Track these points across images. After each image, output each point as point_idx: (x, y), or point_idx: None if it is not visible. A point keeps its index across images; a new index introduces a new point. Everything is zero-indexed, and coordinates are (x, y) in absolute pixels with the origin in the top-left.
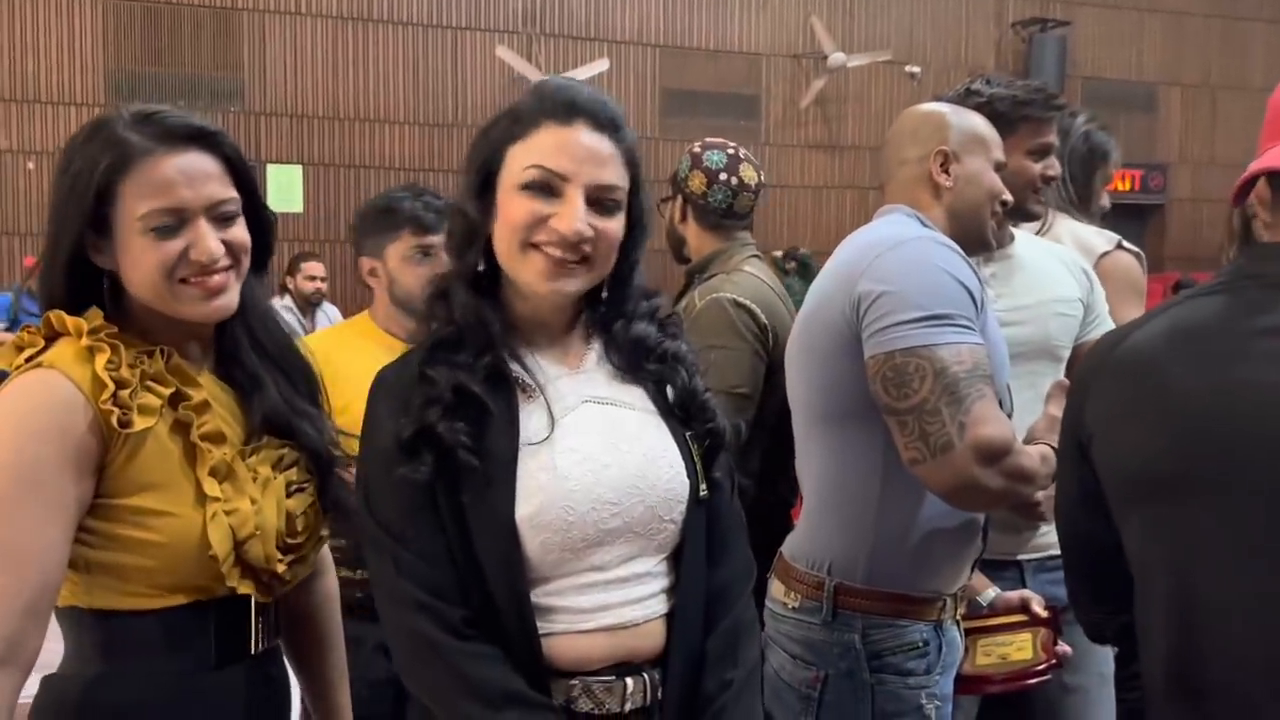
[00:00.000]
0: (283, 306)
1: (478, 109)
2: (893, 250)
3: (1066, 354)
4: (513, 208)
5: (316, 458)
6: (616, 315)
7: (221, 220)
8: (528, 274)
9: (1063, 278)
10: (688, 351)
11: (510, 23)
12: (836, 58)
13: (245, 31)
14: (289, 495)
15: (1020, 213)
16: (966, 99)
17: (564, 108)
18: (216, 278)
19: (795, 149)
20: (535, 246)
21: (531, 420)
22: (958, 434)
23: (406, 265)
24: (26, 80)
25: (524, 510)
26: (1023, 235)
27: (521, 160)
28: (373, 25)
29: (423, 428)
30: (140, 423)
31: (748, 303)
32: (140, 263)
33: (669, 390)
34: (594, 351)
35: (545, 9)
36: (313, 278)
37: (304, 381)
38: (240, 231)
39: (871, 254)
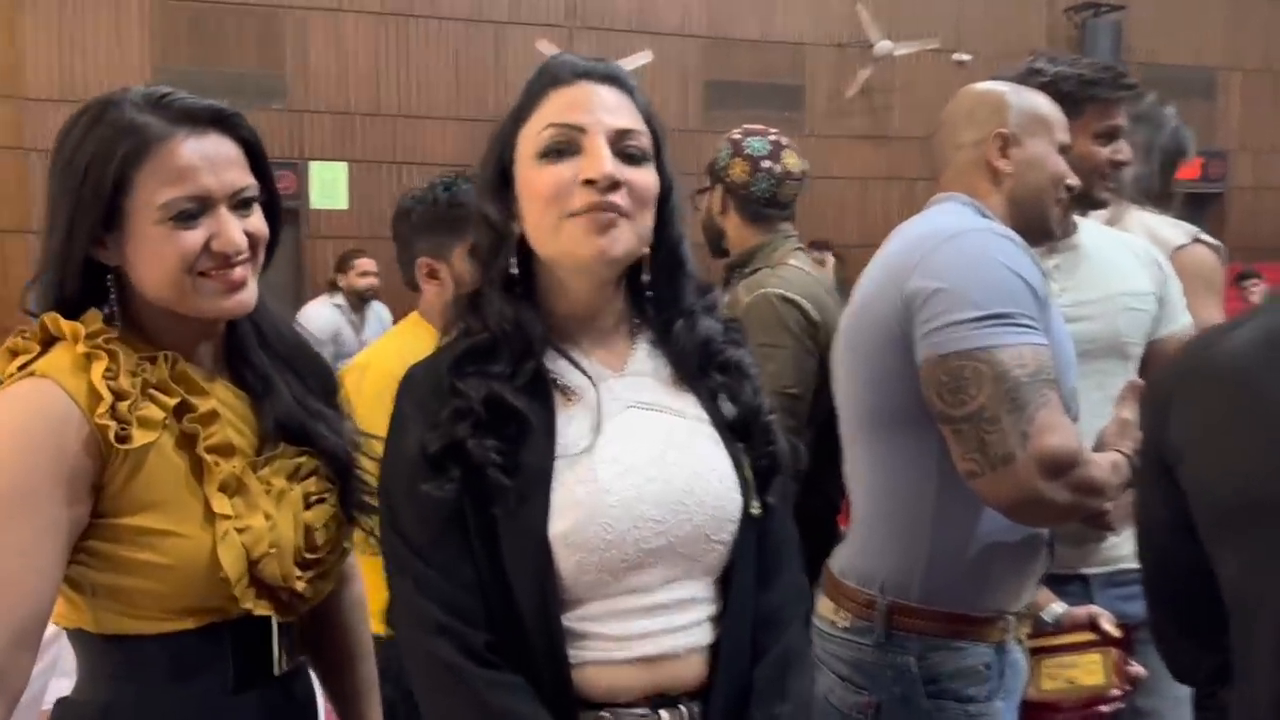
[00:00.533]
0: (332, 304)
1: None
2: (947, 243)
3: (1138, 352)
4: (535, 181)
5: (336, 463)
6: (670, 308)
7: (242, 208)
8: (568, 244)
9: (1133, 270)
10: (751, 363)
11: (552, 16)
12: (883, 46)
13: (288, 29)
14: (308, 507)
15: (1086, 200)
16: (1028, 79)
17: (564, 72)
18: (238, 270)
19: (840, 140)
20: (572, 215)
21: (571, 427)
22: (1019, 444)
23: None
24: (74, 81)
25: (559, 527)
26: (1088, 224)
27: (533, 133)
28: (414, 21)
29: (451, 443)
30: (140, 437)
31: (797, 298)
32: (158, 256)
33: (726, 404)
34: (640, 350)
35: (587, 2)
36: (365, 274)
37: (318, 380)
38: (260, 221)
39: (924, 247)
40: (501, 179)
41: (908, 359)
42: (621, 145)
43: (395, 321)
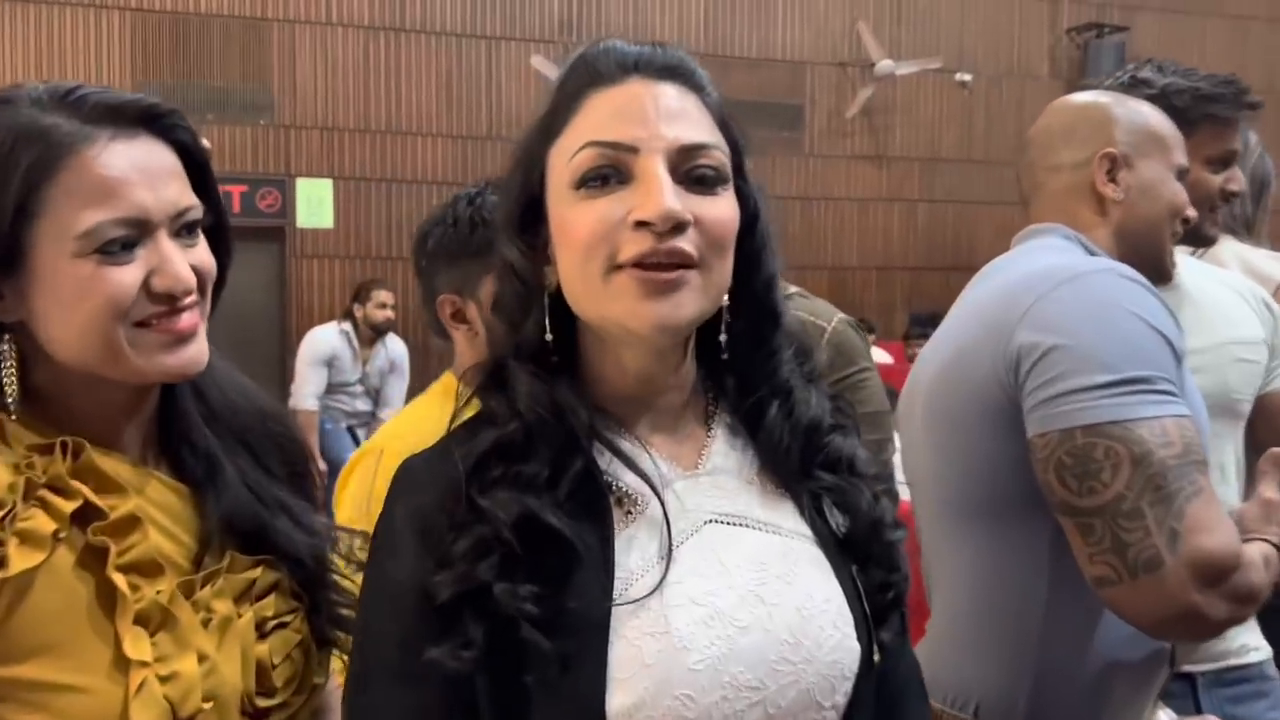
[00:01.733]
0: (338, 329)
1: (512, 120)
2: (1064, 287)
3: (1247, 409)
4: (571, 222)
5: (302, 572)
6: (759, 380)
7: (184, 235)
8: (616, 308)
9: (1242, 314)
10: (868, 458)
11: (546, 31)
12: (884, 65)
13: (275, 42)
14: (263, 635)
15: (1195, 235)
16: (1132, 90)
17: (607, 65)
18: (186, 317)
19: (840, 160)
20: (619, 268)
21: (633, 553)
22: (1168, 546)
23: None
24: None
25: (621, 701)
26: (1185, 260)
27: (568, 151)
28: (405, 35)
29: (470, 590)
30: (21, 560)
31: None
32: (79, 302)
33: (836, 514)
34: (719, 437)
35: (582, 18)
36: (384, 305)
37: (282, 460)
38: (205, 253)
39: (1033, 291)
40: (529, 212)
41: (1014, 432)
42: (689, 166)
43: (410, 357)
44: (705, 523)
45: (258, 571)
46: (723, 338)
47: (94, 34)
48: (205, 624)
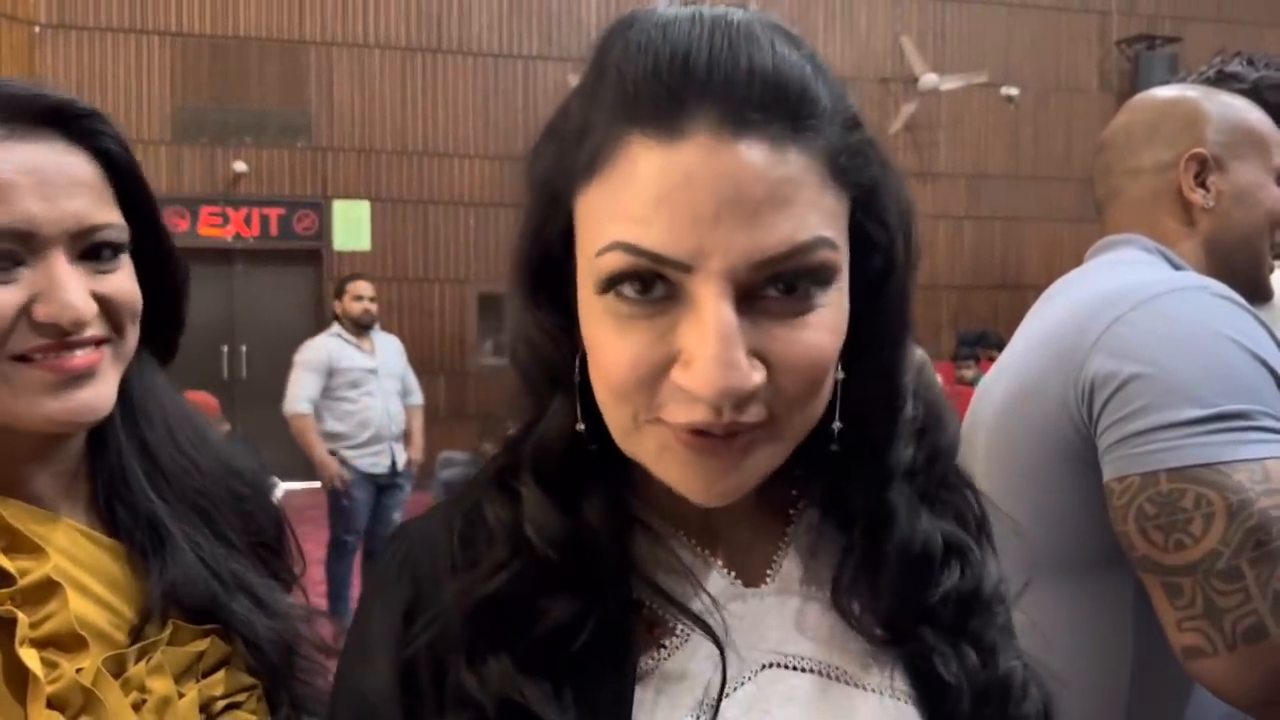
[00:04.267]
0: (328, 335)
1: None
2: (1145, 307)
3: None
4: (599, 347)
5: (262, 658)
6: (862, 472)
7: (94, 259)
8: (660, 469)
9: None
10: (998, 592)
11: (583, 50)
12: (928, 79)
13: (312, 64)
14: (212, 718)
15: None
16: (1219, 84)
17: (660, 99)
18: (80, 355)
19: None
20: (659, 422)
21: (658, 713)
22: (1273, 612)
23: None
24: None
25: None
26: None
27: (595, 233)
28: (442, 56)
29: None
30: None
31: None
32: None
33: (951, 666)
34: (799, 539)
35: None
36: (360, 297)
37: (245, 530)
38: (125, 282)
39: (1109, 312)
40: (551, 269)
41: (1089, 476)
42: (772, 275)
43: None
44: (763, 667)
45: (205, 643)
46: (836, 425)
47: (135, 58)
48: (138, 706)
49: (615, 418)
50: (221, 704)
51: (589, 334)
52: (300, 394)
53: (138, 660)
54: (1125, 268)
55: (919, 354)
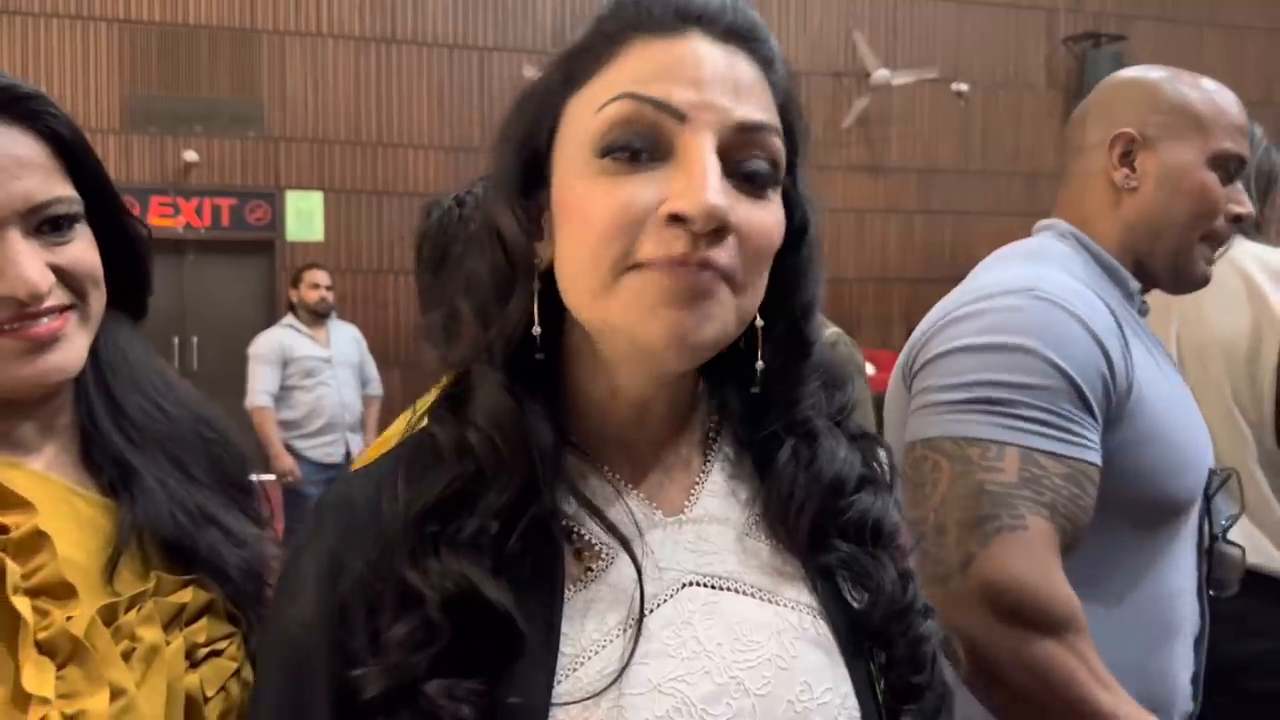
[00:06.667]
0: (281, 326)
1: None
2: (972, 306)
3: None
4: (587, 201)
5: (237, 590)
6: (776, 415)
7: (50, 233)
8: (626, 314)
9: None
10: (896, 522)
11: (538, 42)
12: (880, 75)
13: (264, 53)
14: (194, 665)
15: None
16: None
17: (665, 10)
18: (44, 323)
19: (836, 171)
20: (636, 268)
21: (588, 623)
22: (960, 568)
23: None
24: None
25: None
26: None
27: (594, 102)
28: (396, 46)
29: (402, 685)
30: None
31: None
32: None
33: (853, 591)
34: (713, 476)
35: (576, 27)
36: (316, 285)
37: (212, 470)
38: (82, 250)
39: (950, 308)
40: (530, 170)
41: None
42: (742, 156)
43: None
44: (683, 586)
45: (188, 593)
46: (759, 365)
47: (81, 46)
48: (128, 654)
49: (593, 273)
50: (204, 651)
51: (576, 195)
52: (259, 387)
53: (129, 609)
54: (1006, 264)
55: (833, 330)
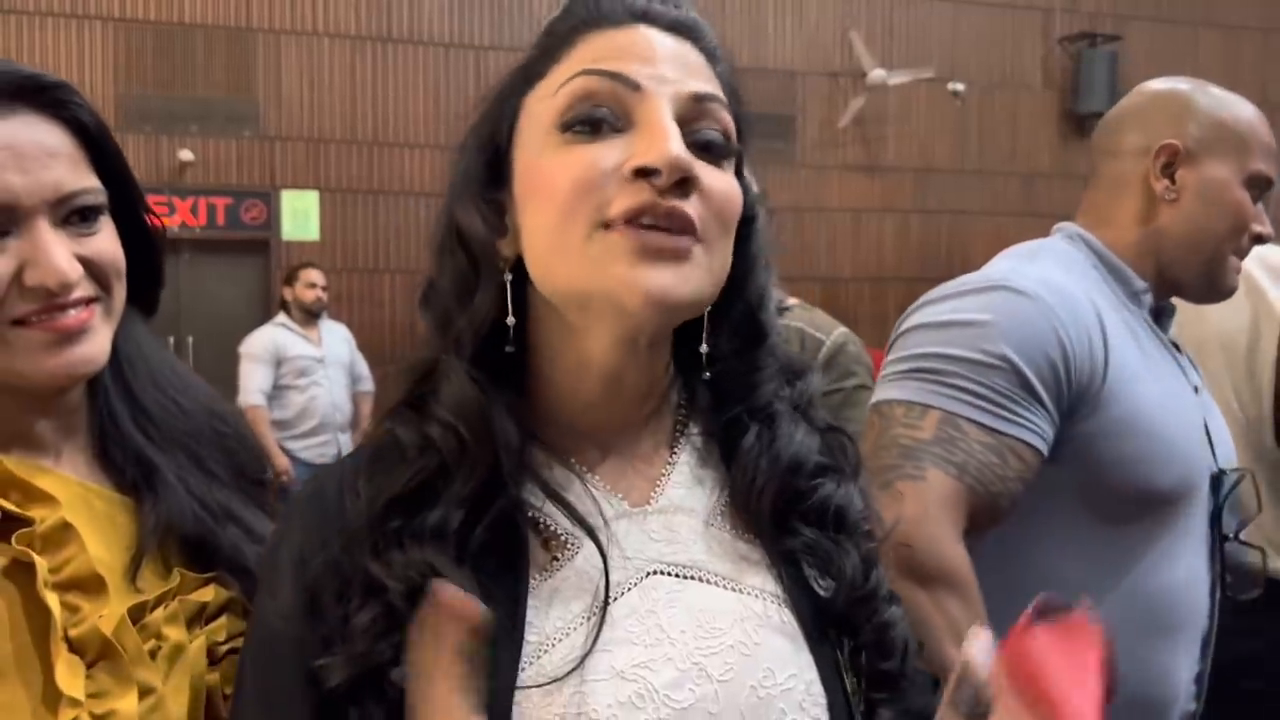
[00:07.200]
0: (273, 325)
1: None
2: (952, 291)
3: None
4: (550, 170)
5: (250, 582)
6: (738, 401)
7: (76, 224)
8: (602, 277)
9: None
10: (862, 510)
11: (535, 40)
12: (876, 75)
13: (260, 53)
14: (214, 662)
15: None
16: None
17: (613, 7)
18: (72, 315)
19: (833, 171)
20: (608, 227)
21: (553, 611)
22: None
23: None
24: None
25: None
26: None
27: (553, 87)
28: (393, 45)
29: (365, 672)
30: None
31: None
32: None
33: (816, 577)
34: (680, 467)
35: None
36: (312, 285)
37: (230, 466)
38: (108, 243)
39: (935, 295)
40: (491, 169)
41: None
42: (697, 126)
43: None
44: (647, 574)
45: (210, 591)
46: (704, 348)
47: (76, 45)
48: (153, 654)
49: (563, 235)
50: (224, 649)
51: (539, 169)
52: (252, 386)
53: (155, 608)
54: (994, 261)
55: (842, 330)
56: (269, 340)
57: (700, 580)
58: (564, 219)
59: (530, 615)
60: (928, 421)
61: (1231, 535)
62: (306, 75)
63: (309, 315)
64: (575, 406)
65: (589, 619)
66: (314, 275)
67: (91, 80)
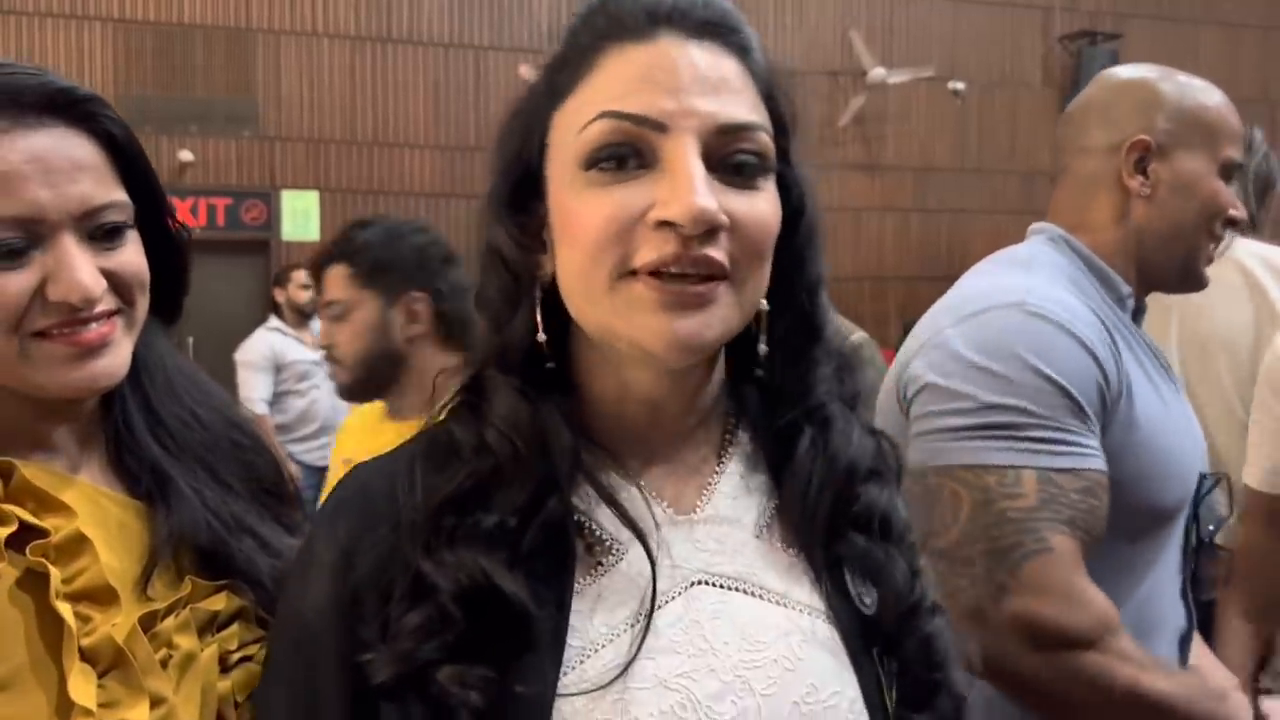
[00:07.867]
0: (266, 329)
1: None
2: (964, 323)
3: None
4: (578, 213)
5: (263, 594)
6: (789, 404)
7: (102, 238)
8: (627, 325)
9: None
10: (907, 521)
11: (534, 41)
12: (876, 73)
13: (260, 53)
14: (225, 671)
15: None
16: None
17: (635, 14)
18: (94, 329)
19: (832, 170)
20: (633, 274)
21: (597, 616)
22: (993, 599)
23: None
24: None
25: None
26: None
27: (577, 119)
28: (392, 45)
29: (413, 672)
30: None
31: None
32: None
33: (861, 589)
34: (728, 475)
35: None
36: (306, 286)
37: (246, 477)
38: (133, 256)
39: (941, 323)
40: (523, 187)
41: None
42: (727, 151)
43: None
44: (692, 584)
45: (221, 599)
46: (762, 348)
47: (76, 45)
48: (165, 663)
49: (591, 279)
50: (236, 657)
51: (568, 209)
52: (254, 395)
53: (166, 617)
54: (1001, 270)
55: (859, 334)
56: (266, 347)
57: (745, 593)
58: (591, 264)
59: (573, 620)
60: (1027, 486)
61: (1206, 539)
62: (306, 75)
63: (302, 316)
64: (621, 421)
65: (633, 625)
66: (305, 276)
67: (91, 81)
